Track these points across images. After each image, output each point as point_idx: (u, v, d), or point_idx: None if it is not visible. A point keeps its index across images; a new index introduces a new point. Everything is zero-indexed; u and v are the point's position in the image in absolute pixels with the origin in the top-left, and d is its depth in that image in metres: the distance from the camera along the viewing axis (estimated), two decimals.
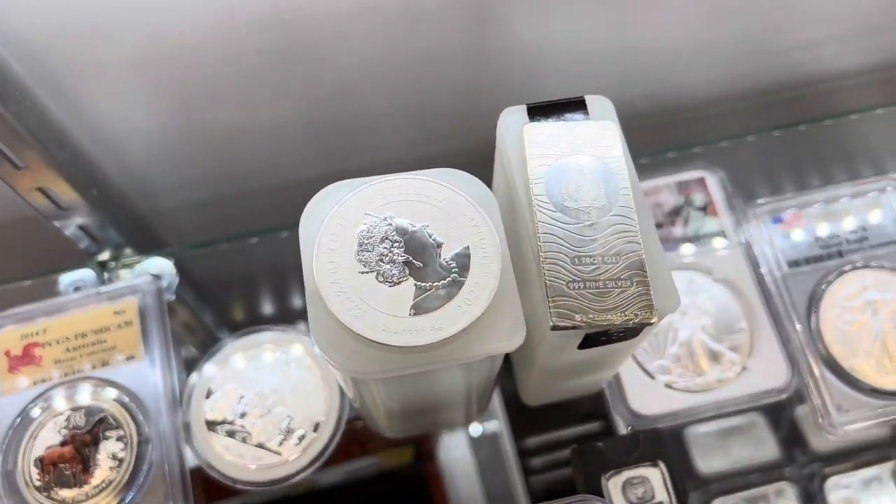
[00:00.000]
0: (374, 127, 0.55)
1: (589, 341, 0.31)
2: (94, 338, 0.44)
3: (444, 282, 0.29)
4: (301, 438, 0.43)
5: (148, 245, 0.55)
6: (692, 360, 0.45)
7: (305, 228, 0.30)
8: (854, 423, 0.43)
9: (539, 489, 0.46)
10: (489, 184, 0.37)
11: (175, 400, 0.43)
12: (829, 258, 0.47)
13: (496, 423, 0.48)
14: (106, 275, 0.49)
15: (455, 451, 0.48)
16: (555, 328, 0.29)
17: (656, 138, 0.58)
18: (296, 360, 0.45)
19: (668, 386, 0.45)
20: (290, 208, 0.34)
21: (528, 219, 0.31)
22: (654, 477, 0.39)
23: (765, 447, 0.46)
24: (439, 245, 0.29)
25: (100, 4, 0.40)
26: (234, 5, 0.42)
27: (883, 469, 0.45)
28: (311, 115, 0.52)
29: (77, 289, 0.47)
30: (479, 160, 0.37)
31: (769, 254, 0.47)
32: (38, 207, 0.47)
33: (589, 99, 0.34)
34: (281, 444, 0.42)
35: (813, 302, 0.46)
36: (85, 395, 0.42)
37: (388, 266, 0.29)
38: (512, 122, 0.33)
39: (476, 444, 0.48)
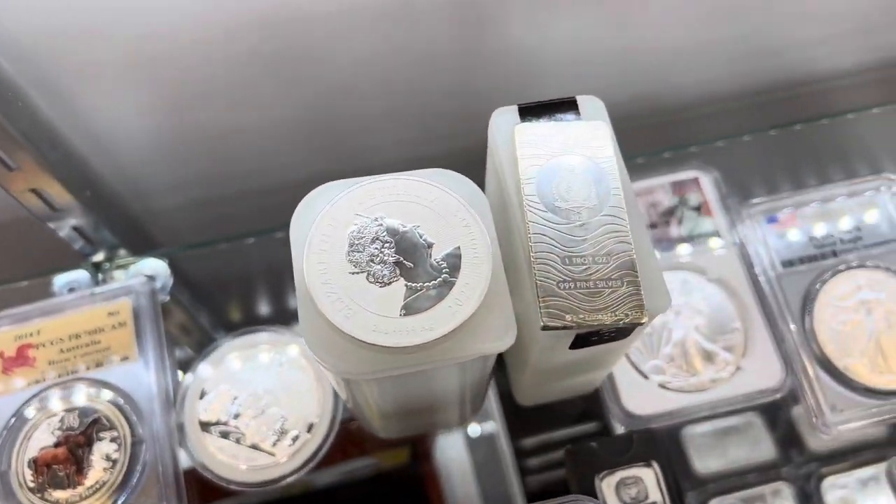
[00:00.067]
0: (370, 127, 0.55)
1: (580, 341, 0.31)
2: (89, 339, 0.44)
3: (435, 282, 0.29)
4: (295, 439, 0.43)
5: (142, 246, 0.55)
6: (686, 360, 0.45)
7: (296, 229, 0.30)
8: (848, 422, 0.43)
9: (535, 489, 0.46)
10: (484, 184, 0.37)
11: (169, 401, 0.43)
12: (823, 258, 0.47)
13: (492, 424, 0.48)
14: (100, 276, 0.49)
15: (451, 452, 0.48)
16: (545, 328, 0.29)
17: (651, 138, 0.58)
18: (290, 360, 0.45)
19: (662, 386, 0.45)
20: (284, 208, 0.34)
21: (519, 219, 0.31)
22: (648, 477, 0.39)
23: (762, 447, 0.46)
24: (430, 245, 0.29)
25: (92, 5, 0.40)
26: (227, 6, 0.42)
27: (879, 469, 0.45)
28: (305, 115, 0.52)
29: (71, 290, 0.47)
30: (475, 161, 0.37)
31: (763, 254, 0.47)
32: (31, 209, 0.47)
33: (580, 99, 0.34)
34: (275, 444, 0.42)
35: (807, 302, 0.46)
36: (79, 396, 0.42)
37: (378, 266, 0.29)
38: (503, 123, 0.33)
39: (472, 444, 0.48)
